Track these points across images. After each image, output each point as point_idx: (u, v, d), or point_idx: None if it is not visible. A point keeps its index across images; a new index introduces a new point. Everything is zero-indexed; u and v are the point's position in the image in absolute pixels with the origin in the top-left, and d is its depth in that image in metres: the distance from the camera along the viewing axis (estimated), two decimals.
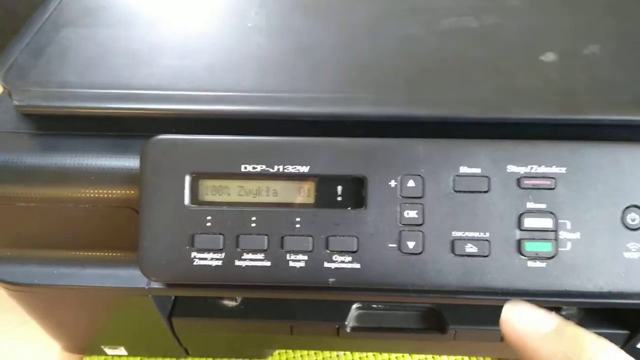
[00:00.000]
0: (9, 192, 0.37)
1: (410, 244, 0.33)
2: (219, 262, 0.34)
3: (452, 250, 0.33)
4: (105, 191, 0.37)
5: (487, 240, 0.33)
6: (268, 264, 0.34)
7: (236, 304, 0.46)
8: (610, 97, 0.36)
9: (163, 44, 0.42)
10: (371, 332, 0.45)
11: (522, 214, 0.33)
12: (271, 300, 0.46)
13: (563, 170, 0.33)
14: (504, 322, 0.28)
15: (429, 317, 0.45)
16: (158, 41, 0.42)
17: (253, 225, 0.34)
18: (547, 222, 0.33)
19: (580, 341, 0.26)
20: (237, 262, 0.34)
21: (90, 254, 0.41)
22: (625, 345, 0.44)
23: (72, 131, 0.39)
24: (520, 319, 0.28)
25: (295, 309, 0.45)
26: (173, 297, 0.46)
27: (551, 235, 0.33)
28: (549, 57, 0.39)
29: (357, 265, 0.34)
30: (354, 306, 0.45)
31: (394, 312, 0.45)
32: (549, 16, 0.44)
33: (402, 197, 0.34)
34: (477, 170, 0.33)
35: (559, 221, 0.33)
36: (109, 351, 0.52)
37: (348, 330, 0.44)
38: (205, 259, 0.34)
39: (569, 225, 0.33)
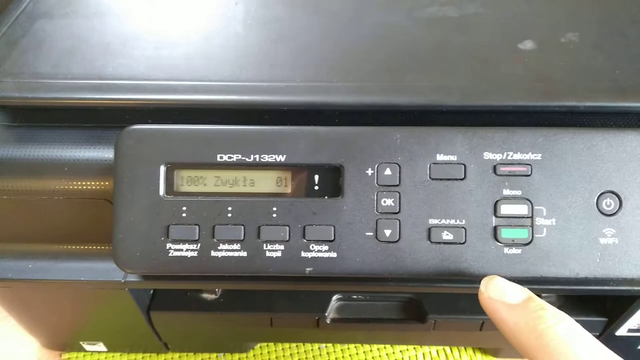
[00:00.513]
0: None
1: (387, 232, 0.33)
2: (195, 253, 0.34)
3: (429, 238, 0.33)
4: (80, 183, 0.36)
5: (463, 227, 0.33)
6: (244, 254, 0.34)
7: (215, 297, 0.45)
8: (586, 85, 0.36)
9: (139, 35, 0.42)
10: (351, 322, 0.45)
11: (498, 200, 0.33)
12: (251, 293, 0.45)
13: (538, 156, 0.33)
14: (481, 293, 0.30)
15: (408, 307, 0.45)
16: (134, 32, 0.42)
17: (229, 215, 0.34)
18: (522, 209, 0.33)
19: (541, 312, 0.28)
20: (213, 253, 0.34)
21: (65, 247, 0.40)
22: (604, 332, 0.44)
23: (47, 123, 0.38)
24: (493, 291, 0.30)
25: (275, 301, 0.45)
26: (152, 291, 0.45)
27: (527, 221, 0.33)
28: (527, 45, 0.39)
29: (334, 254, 0.34)
30: (334, 297, 0.45)
31: (373, 303, 0.45)
32: (527, 5, 0.44)
33: (379, 185, 0.34)
34: (453, 158, 0.33)
35: (535, 207, 0.33)
36: (87, 347, 0.51)
37: (328, 321, 0.44)
38: (180, 250, 0.34)
39: (544, 211, 0.33)
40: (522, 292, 0.30)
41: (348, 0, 0.45)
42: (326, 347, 0.53)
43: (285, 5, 0.45)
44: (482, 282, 0.31)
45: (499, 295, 0.29)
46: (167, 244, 0.34)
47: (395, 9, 0.44)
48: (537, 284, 0.35)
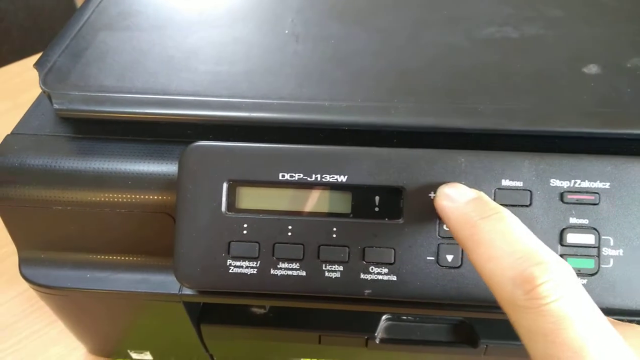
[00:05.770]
0: (45, 195, 0.37)
1: (449, 257, 0.33)
2: (254, 271, 0.34)
3: None
4: (142, 196, 0.37)
5: None
6: (303, 273, 0.34)
7: (265, 311, 0.45)
8: None
9: (200, 50, 0.42)
10: (400, 344, 0.44)
11: (564, 229, 0.32)
12: (300, 309, 0.45)
13: (607, 185, 0.33)
14: (435, 197, 0.31)
15: (460, 331, 0.44)
16: (195, 46, 0.43)
17: (289, 234, 0.34)
18: (589, 238, 0.32)
19: (484, 202, 0.29)
20: (272, 271, 0.34)
21: (122, 258, 0.41)
22: None
23: (110, 135, 0.39)
24: (444, 191, 0.31)
25: (324, 318, 0.45)
26: (201, 304, 0.46)
27: (593, 251, 0.32)
28: (592, 69, 0.39)
29: (394, 278, 0.33)
30: (384, 317, 0.45)
31: (424, 325, 0.45)
32: (591, 27, 0.43)
33: None
34: (519, 184, 0.33)
35: (602, 237, 0.32)
36: (135, 355, 0.52)
37: (377, 341, 0.44)
38: (240, 267, 0.34)
39: (612, 241, 0.32)
40: (471, 192, 0.30)
41: (404, 19, 0.45)
42: None
43: (342, 24, 0.45)
44: (439, 187, 0.31)
45: (447, 195, 0.30)
46: (228, 261, 0.34)
47: (452, 29, 0.44)
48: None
